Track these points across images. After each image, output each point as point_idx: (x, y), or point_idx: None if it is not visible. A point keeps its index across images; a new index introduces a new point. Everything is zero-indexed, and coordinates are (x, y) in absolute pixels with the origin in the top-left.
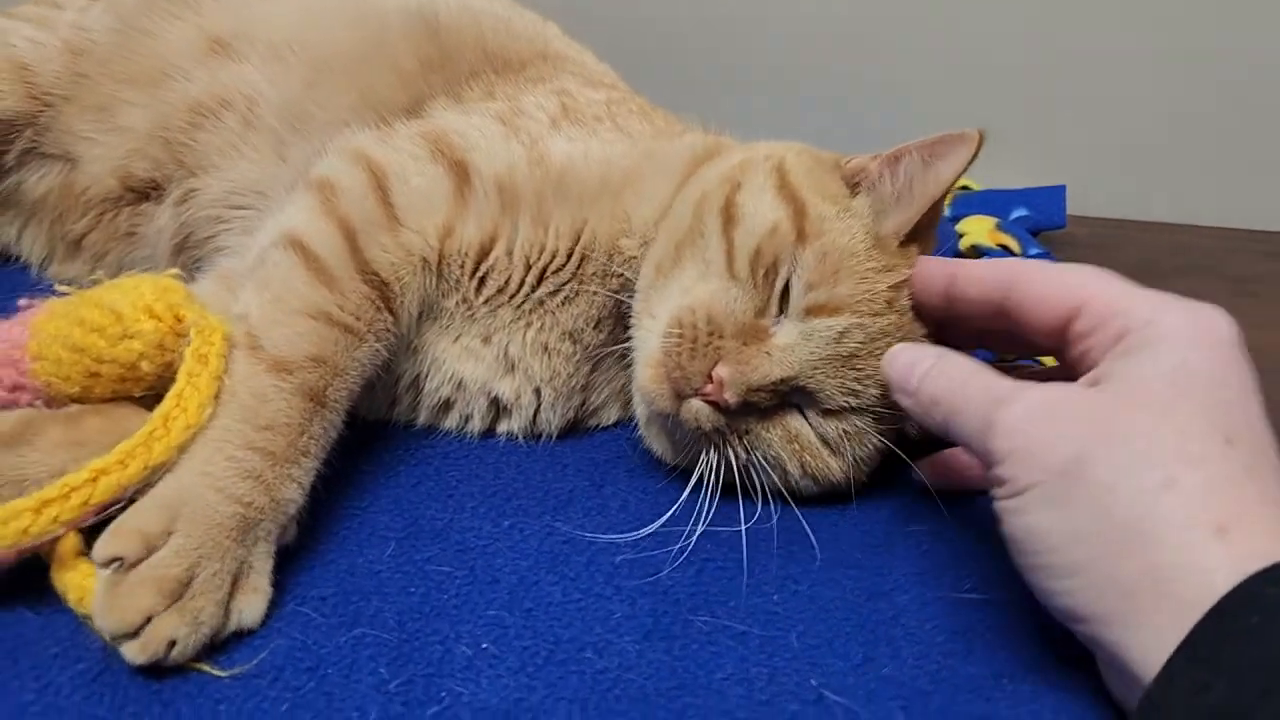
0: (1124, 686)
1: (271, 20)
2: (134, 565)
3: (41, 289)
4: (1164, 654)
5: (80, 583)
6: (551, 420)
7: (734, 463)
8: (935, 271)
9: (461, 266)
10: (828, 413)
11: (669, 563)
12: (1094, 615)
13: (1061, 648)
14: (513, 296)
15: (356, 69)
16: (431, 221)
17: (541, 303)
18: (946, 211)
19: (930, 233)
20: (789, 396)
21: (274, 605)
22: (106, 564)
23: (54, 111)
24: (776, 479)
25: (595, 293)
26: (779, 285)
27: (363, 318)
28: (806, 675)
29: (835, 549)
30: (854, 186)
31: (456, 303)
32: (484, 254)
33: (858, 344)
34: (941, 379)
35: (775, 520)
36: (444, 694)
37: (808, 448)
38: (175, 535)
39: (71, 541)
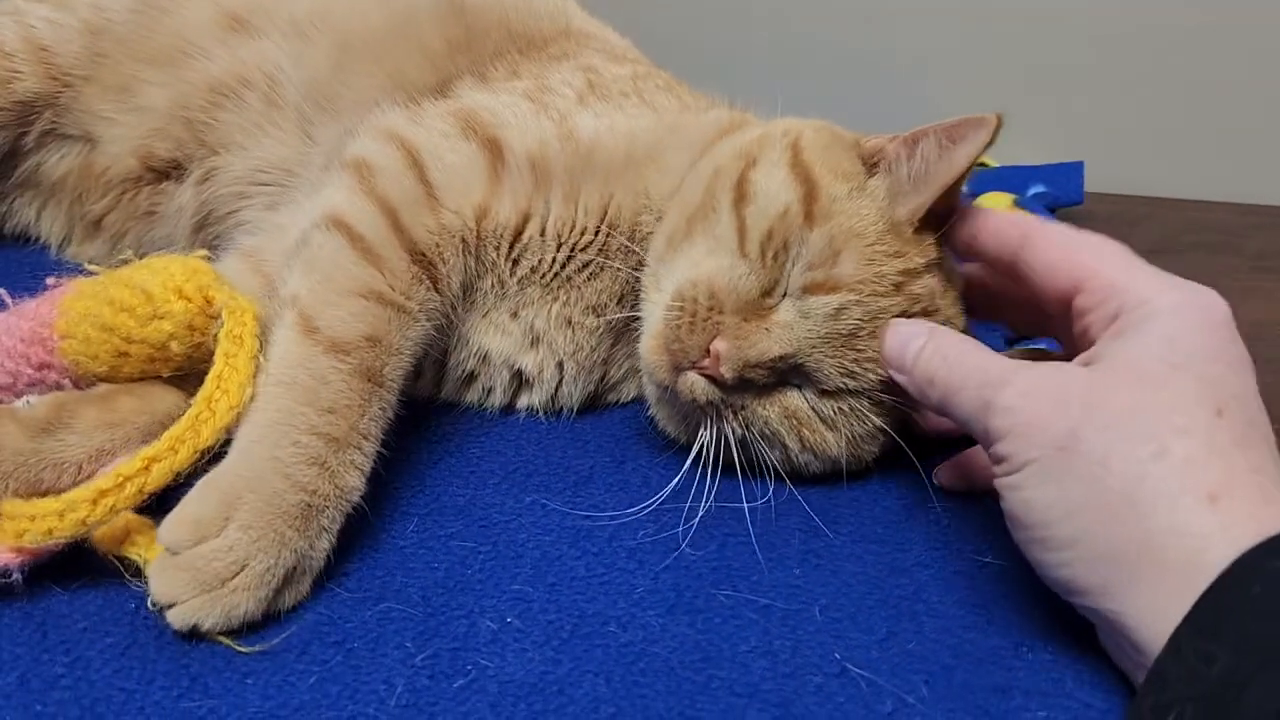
0: (1125, 656)
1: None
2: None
3: (62, 268)
4: (1160, 621)
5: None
6: (573, 394)
7: (730, 438)
8: (963, 221)
9: (497, 249)
10: (825, 393)
11: (687, 537)
12: (1090, 586)
13: (1078, 615)
14: (543, 275)
15: (384, 49)
16: (469, 201)
17: (569, 278)
18: (964, 187)
19: (950, 218)
20: (787, 375)
21: None
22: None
23: (73, 92)
24: (777, 455)
25: (618, 269)
26: (789, 267)
27: (414, 297)
28: (830, 648)
29: (856, 524)
30: (871, 167)
31: (491, 284)
32: (518, 234)
33: (856, 321)
34: (936, 358)
35: (796, 495)
36: (470, 667)
37: (806, 422)
38: (233, 525)
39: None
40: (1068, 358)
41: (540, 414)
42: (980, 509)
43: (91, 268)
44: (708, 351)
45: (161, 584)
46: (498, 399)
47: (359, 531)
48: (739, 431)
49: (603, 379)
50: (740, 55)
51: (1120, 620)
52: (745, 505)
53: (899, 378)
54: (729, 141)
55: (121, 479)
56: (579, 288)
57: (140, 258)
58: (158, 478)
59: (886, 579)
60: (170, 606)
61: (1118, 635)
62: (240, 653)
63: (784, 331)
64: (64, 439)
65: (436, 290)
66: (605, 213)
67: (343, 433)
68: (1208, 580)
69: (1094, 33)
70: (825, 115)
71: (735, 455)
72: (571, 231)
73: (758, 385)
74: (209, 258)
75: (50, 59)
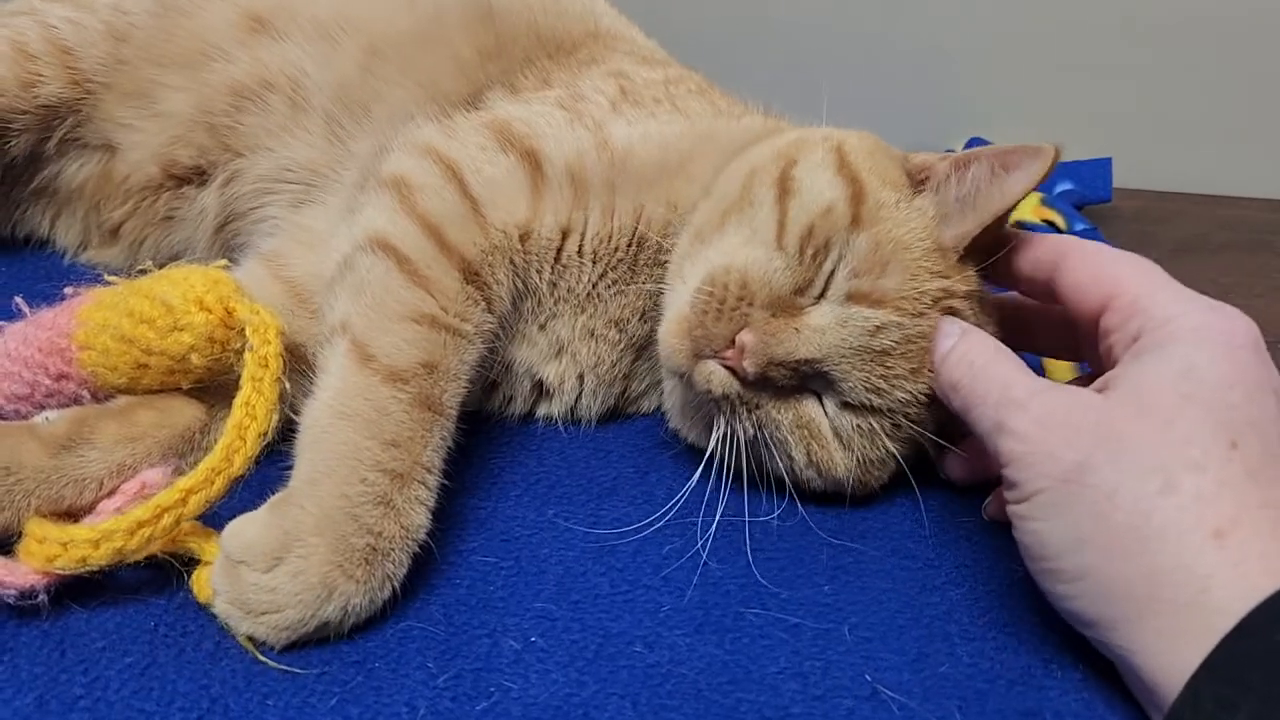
0: (1139, 690)
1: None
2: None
3: (77, 275)
4: (1167, 659)
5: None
6: (592, 407)
7: (741, 438)
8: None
9: (539, 271)
10: (847, 406)
11: (710, 550)
12: (1098, 620)
13: None
14: (577, 293)
15: (413, 55)
16: (513, 219)
17: (600, 294)
18: None
19: (994, 250)
20: (809, 380)
21: None
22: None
23: (94, 99)
24: (781, 465)
25: (644, 283)
26: (827, 267)
27: (469, 319)
28: (861, 670)
29: (886, 538)
30: (917, 184)
31: (530, 305)
32: (559, 253)
33: (892, 342)
34: (963, 364)
35: (821, 509)
36: (493, 689)
37: (817, 437)
38: (284, 567)
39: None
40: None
41: (559, 424)
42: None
43: (110, 279)
44: (732, 342)
45: (216, 570)
46: (517, 407)
47: None
48: (751, 432)
49: (623, 393)
50: (763, 50)
51: (1129, 657)
52: (772, 518)
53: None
54: (766, 144)
55: (160, 510)
56: (606, 301)
57: (159, 265)
58: (194, 508)
59: (917, 597)
60: (224, 618)
61: (1130, 671)
62: (265, 667)
63: (815, 335)
64: (85, 455)
65: (490, 310)
66: (636, 226)
67: (407, 468)
68: (1213, 620)
69: (1123, 26)
70: (849, 112)
71: (745, 458)
72: (606, 244)
73: (776, 385)
74: (228, 267)
75: (74, 63)
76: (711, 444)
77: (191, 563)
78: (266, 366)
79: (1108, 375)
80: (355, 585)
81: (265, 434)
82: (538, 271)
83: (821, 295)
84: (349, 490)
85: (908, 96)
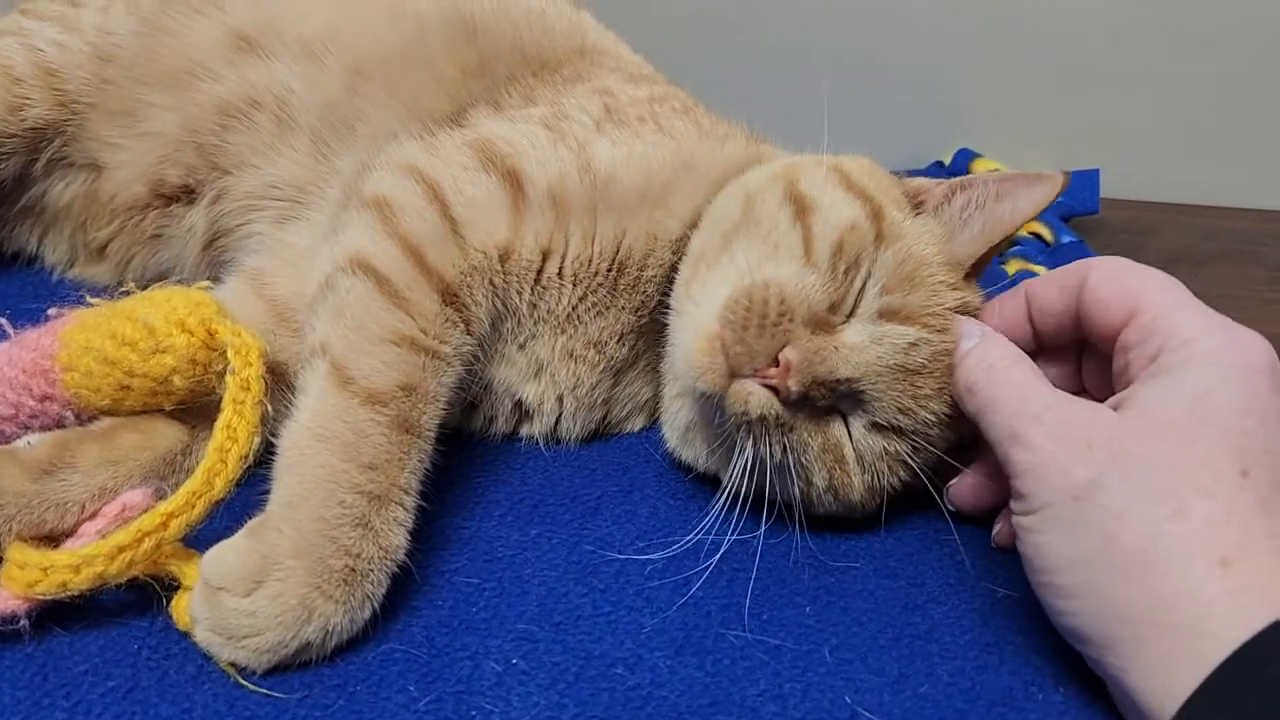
0: (1130, 712)
1: (301, 15)
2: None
3: (64, 294)
4: (1161, 684)
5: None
6: (572, 430)
7: (768, 462)
8: (1011, 302)
9: (520, 293)
10: (875, 427)
11: (699, 576)
12: (1095, 638)
13: None
14: (556, 315)
15: (397, 73)
16: (493, 240)
17: (579, 316)
18: None
19: (983, 272)
20: (840, 401)
21: None
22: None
23: (80, 119)
24: (797, 489)
25: (623, 308)
26: (858, 284)
27: (448, 340)
28: (841, 692)
29: (869, 558)
30: (915, 206)
31: (510, 326)
32: (539, 275)
33: (924, 360)
34: (981, 367)
35: (805, 528)
36: (474, 712)
37: (841, 460)
38: (263, 591)
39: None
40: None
41: (540, 443)
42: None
43: (92, 300)
44: (775, 361)
45: (195, 598)
46: (499, 427)
47: None
48: (778, 456)
49: (604, 418)
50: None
51: (1124, 677)
52: (762, 538)
53: None
54: (759, 170)
55: (141, 534)
56: (585, 323)
57: (145, 283)
58: (175, 531)
59: (899, 616)
60: (210, 643)
61: (1121, 691)
62: (243, 687)
63: (853, 354)
64: (67, 479)
65: (469, 332)
66: (617, 252)
67: (384, 489)
68: (1209, 648)
69: (1110, 37)
70: (836, 123)
71: (767, 481)
72: (586, 267)
73: (813, 406)
74: (211, 288)
75: (60, 85)
76: (733, 469)
77: (173, 586)
78: (248, 389)
79: (1123, 394)
80: (334, 605)
81: (246, 456)
82: (517, 292)
83: (852, 313)
84: (326, 513)
85: (895, 108)
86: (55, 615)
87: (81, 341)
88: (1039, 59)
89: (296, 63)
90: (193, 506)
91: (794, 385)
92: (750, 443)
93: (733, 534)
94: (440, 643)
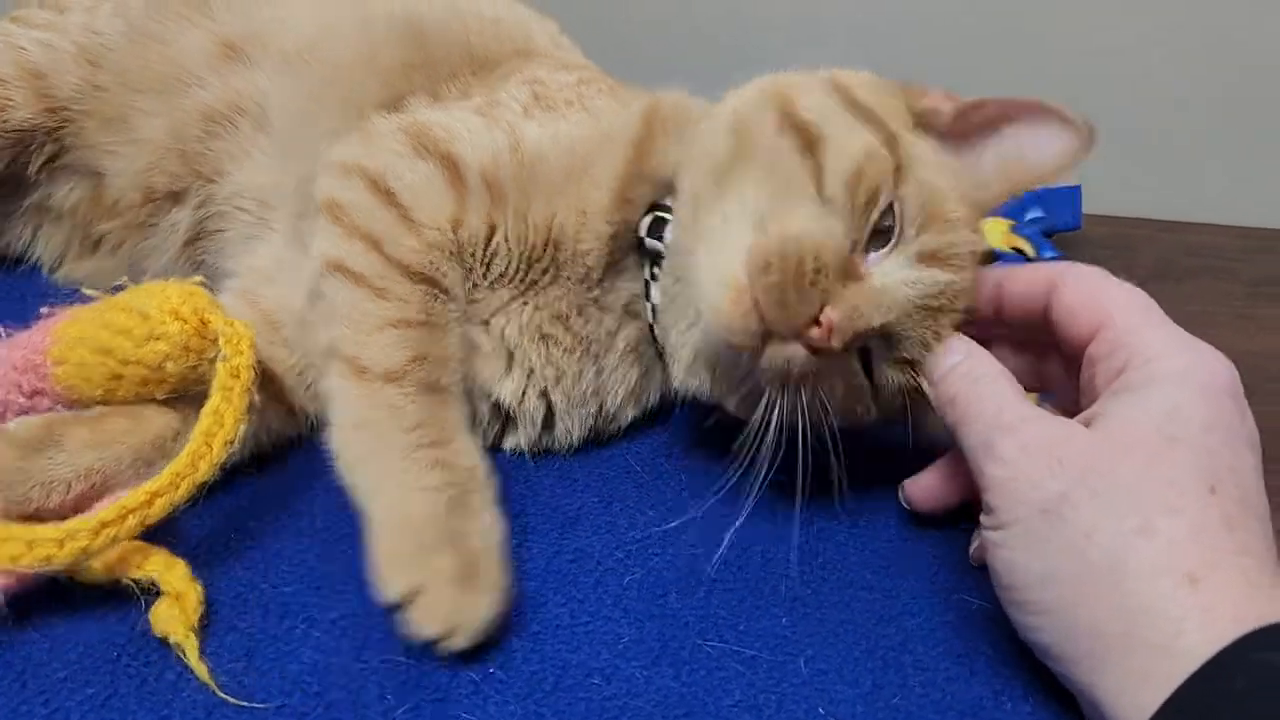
0: None
1: (286, 26)
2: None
3: (56, 294)
4: (1131, 701)
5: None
6: (571, 430)
7: (798, 405)
8: (982, 280)
9: (474, 255)
10: (898, 362)
11: (676, 587)
12: (1065, 655)
13: None
14: (511, 279)
15: (353, 80)
16: (443, 215)
17: (534, 282)
18: None
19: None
20: (868, 342)
21: (284, 627)
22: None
23: (76, 127)
24: (809, 421)
25: (568, 278)
26: (874, 217)
27: (434, 312)
28: (815, 703)
29: (844, 569)
30: (922, 126)
31: (468, 288)
32: (488, 242)
33: (948, 300)
34: (964, 380)
35: (784, 538)
36: None
37: (860, 398)
38: (415, 573)
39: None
40: (1070, 409)
41: (527, 454)
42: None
43: (89, 292)
44: (817, 321)
45: (429, 622)
46: (483, 440)
47: (340, 576)
48: (806, 399)
49: (600, 411)
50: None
51: (1092, 694)
52: (739, 549)
53: (925, 387)
54: (739, 93)
55: (125, 511)
56: (544, 290)
57: (133, 276)
58: (159, 510)
59: (874, 628)
60: (448, 635)
61: (1090, 705)
62: (222, 701)
63: (884, 297)
64: (53, 457)
65: (449, 298)
66: (550, 230)
67: (437, 436)
68: (1180, 665)
69: (1091, 51)
70: None
71: (783, 435)
72: (524, 244)
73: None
74: (204, 284)
75: (47, 89)
76: (759, 417)
77: (153, 591)
78: (238, 377)
79: (1091, 409)
80: (473, 522)
81: (232, 442)
82: (471, 254)
83: (869, 249)
84: (406, 478)
85: None
86: (33, 621)
87: (74, 334)
88: (1023, 75)
89: (279, 73)
90: (176, 487)
91: (837, 343)
92: (782, 394)
93: (710, 542)
94: (418, 651)
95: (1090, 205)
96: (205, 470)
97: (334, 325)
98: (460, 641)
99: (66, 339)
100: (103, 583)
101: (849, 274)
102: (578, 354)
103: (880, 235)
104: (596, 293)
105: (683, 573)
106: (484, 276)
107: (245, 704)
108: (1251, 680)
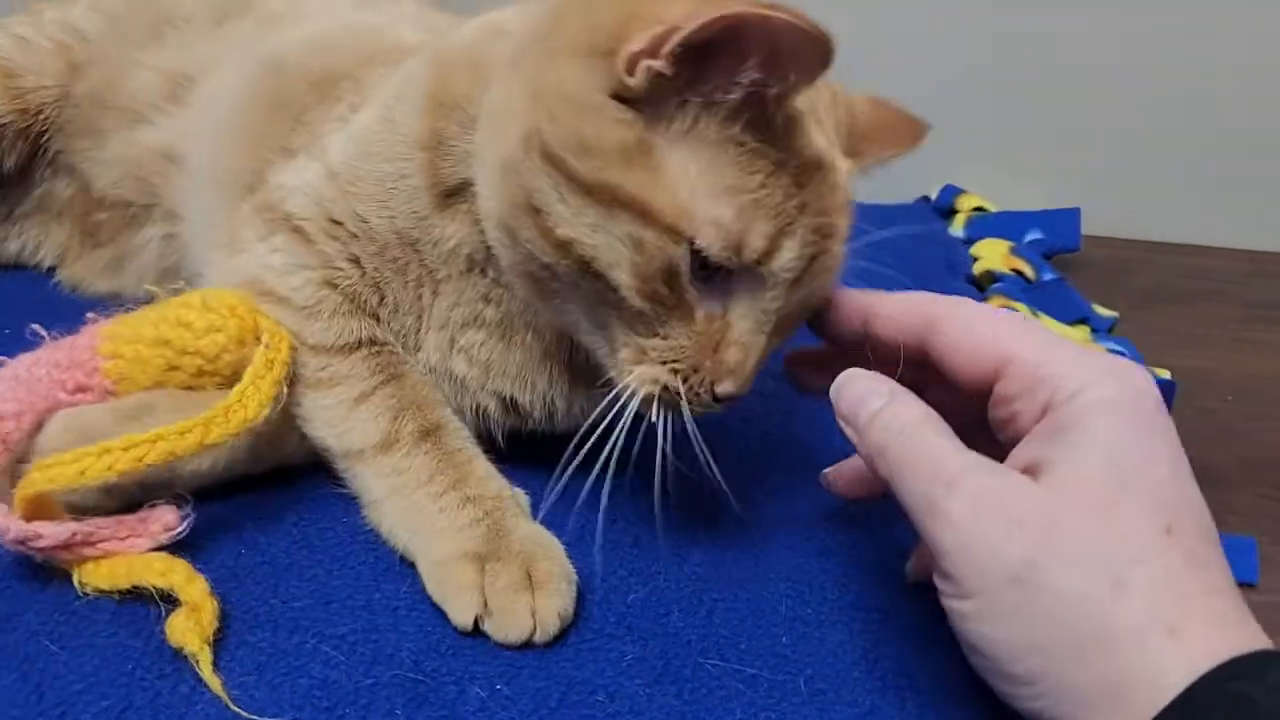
0: None
1: (212, 70)
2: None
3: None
4: None
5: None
6: (539, 413)
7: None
8: (851, 308)
9: (366, 295)
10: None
11: (679, 606)
12: (1055, 715)
13: None
14: (410, 299)
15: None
16: (316, 282)
17: (434, 293)
18: (961, 233)
19: None
20: None
21: (295, 642)
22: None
23: (63, 136)
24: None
25: (461, 273)
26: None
27: (383, 366)
28: None
29: (844, 589)
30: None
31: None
32: (363, 274)
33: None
34: (891, 429)
35: (787, 560)
36: None
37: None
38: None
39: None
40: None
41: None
42: None
43: (151, 289)
44: (715, 398)
45: (510, 631)
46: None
47: (348, 592)
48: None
49: (587, 362)
50: None
51: None
52: (741, 569)
53: (849, 434)
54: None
55: (130, 443)
56: (447, 297)
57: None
58: (159, 453)
59: (873, 648)
60: (532, 635)
61: None
62: (233, 711)
63: (752, 347)
64: (145, 421)
65: (386, 345)
66: (398, 234)
67: (455, 476)
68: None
69: (1093, 80)
70: None
71: None
72: (387, 259)
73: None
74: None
75: (18, 86)
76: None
77: (171, 601)
78: (271, 368)
79: (1028, 455)
80: (513, 537)
81: (250, 422)
82: (365, 298)
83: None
84: (440, 523)
85: None
86: (48, 632)
87: (127, 332)
88: (1024, 99)
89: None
90: (183, 436)
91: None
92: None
93: (711, 564)
94: (427, 667)
95: (1089, 227)
96: (216, 435)
97: (311, 427)
98: (544, 636)
99: (119, 336)
100: (121, 590)
101: (712, 341)
102: (494, 340)
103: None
104: (493, 273)
105: (685, 591)
106: (391, 307)
107: (257, 718)
108: (1229, 711)
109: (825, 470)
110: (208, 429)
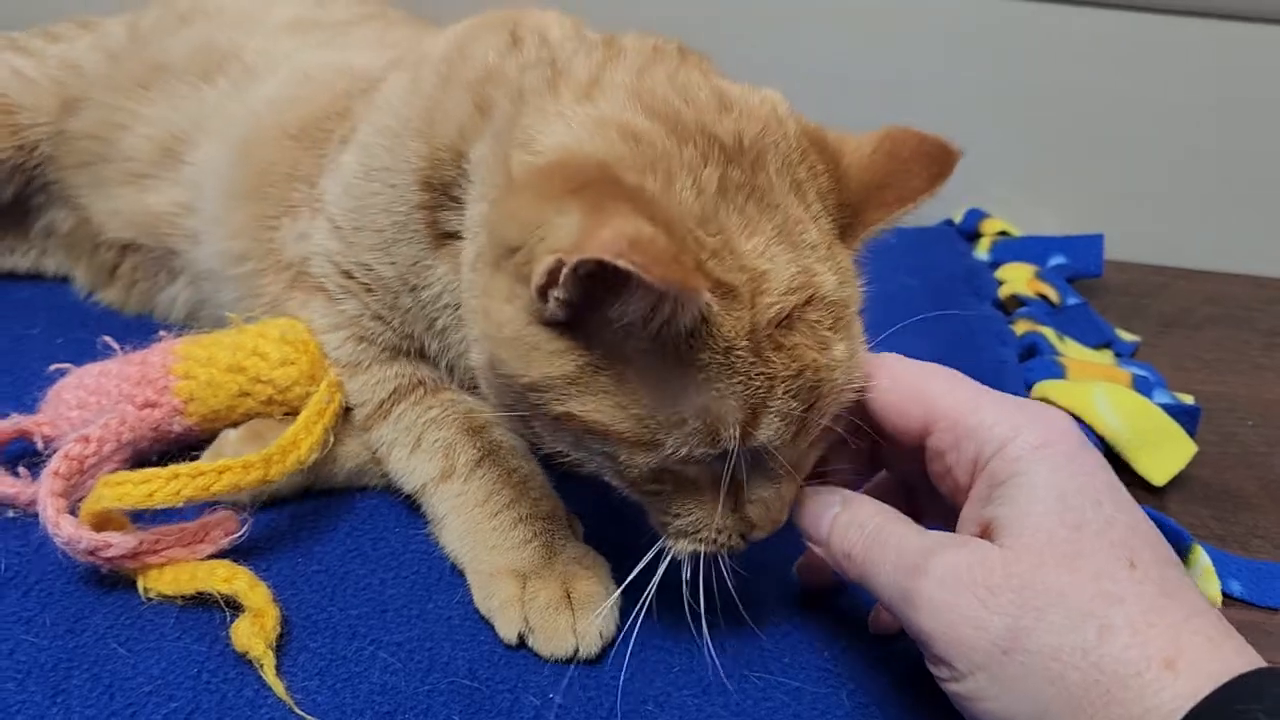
0: None
1: (199, 137)
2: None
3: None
4: None
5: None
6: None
7: None
8: None
9: (396, 338)
10: None
11: (726, 619)
12: None
13: None
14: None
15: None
16: (353, 339)
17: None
18: (986, 257)
19: None
20: None
21: (354, 649)
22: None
23: (52, 164)
24: None
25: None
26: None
27: (433, 404)
28: None
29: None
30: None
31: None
32: (382, 319)
33: None
34: (853, 530)
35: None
36: None
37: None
38: (521, 607)
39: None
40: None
41: None
42: None
43: (229, 315)
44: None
45: (552, 647)
46: None
47: (404, 601)
48: None
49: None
50: None
51: None
52: (785, 585)
53: (815, 548)
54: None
55: (197, 472)
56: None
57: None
58: (224, 484)
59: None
60: (575, 651)
61: None
62: (297, 715)
63: (781, 498)
64: (255, 446)
65: (431, 378)
66: (399, 267)
67: (508, 497)
68: None
69: (1117, 107)
70: None
71: None
72: (393, 306)
73: None
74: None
75: (14, 121)
76: None
77: (235, 607)
78: (322, 415)
79: (981, 519)
80: (560, 557)
81: (303, 464)
82: (398, 340)
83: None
84: (495, 540)
85: None
86: (116, 635)
87: (202, 354)
88: (1049, 126)
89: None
90: (247, 471)
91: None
92: None
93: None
94: (483, 675)
95: (1111, 253)
96: (275, 474)
97: (392, 464)
98: (587, 653)
99: (194, 358)
100: (185, 595)
101: (734, 509)
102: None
103: None
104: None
105: (729, 604)
106: (421, 345)
107: None
108: None
109: (796, 563)
110: (268, 467)
